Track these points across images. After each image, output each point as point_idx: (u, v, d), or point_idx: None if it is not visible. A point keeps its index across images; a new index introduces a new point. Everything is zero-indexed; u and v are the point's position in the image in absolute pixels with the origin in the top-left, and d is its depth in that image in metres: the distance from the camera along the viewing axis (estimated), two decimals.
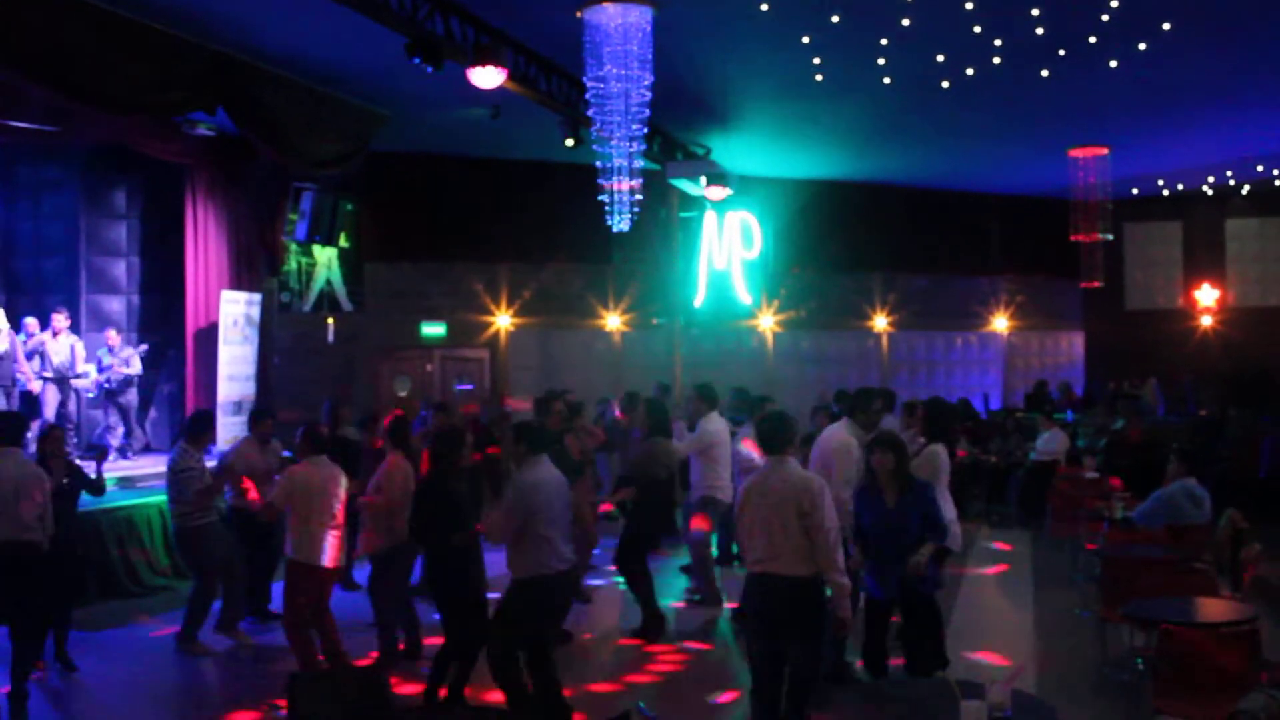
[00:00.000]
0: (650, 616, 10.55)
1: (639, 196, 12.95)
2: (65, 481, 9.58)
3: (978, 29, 12.84)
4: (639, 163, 12.80)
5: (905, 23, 12.58)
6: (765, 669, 6.87)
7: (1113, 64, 14.14)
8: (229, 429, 15.08)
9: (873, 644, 7.92)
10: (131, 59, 11.90)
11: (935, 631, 8.34)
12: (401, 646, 9.72)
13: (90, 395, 15.40)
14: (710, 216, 20.58)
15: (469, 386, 19.99)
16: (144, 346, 15.91)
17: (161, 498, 12.07)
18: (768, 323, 22.48)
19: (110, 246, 16.96)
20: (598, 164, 12.71)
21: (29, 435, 11.04)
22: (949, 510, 8.98)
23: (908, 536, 7.68)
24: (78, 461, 10.81)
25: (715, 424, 11.62)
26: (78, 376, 14.96)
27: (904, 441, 8.18)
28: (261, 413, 11.45)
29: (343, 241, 17.54)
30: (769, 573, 6.73)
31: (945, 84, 15.01)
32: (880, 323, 23.54)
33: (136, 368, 15.48)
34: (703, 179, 18.38)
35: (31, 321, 14.91)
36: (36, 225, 16.77)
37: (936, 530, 7.81)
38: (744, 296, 21.31)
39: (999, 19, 12.56)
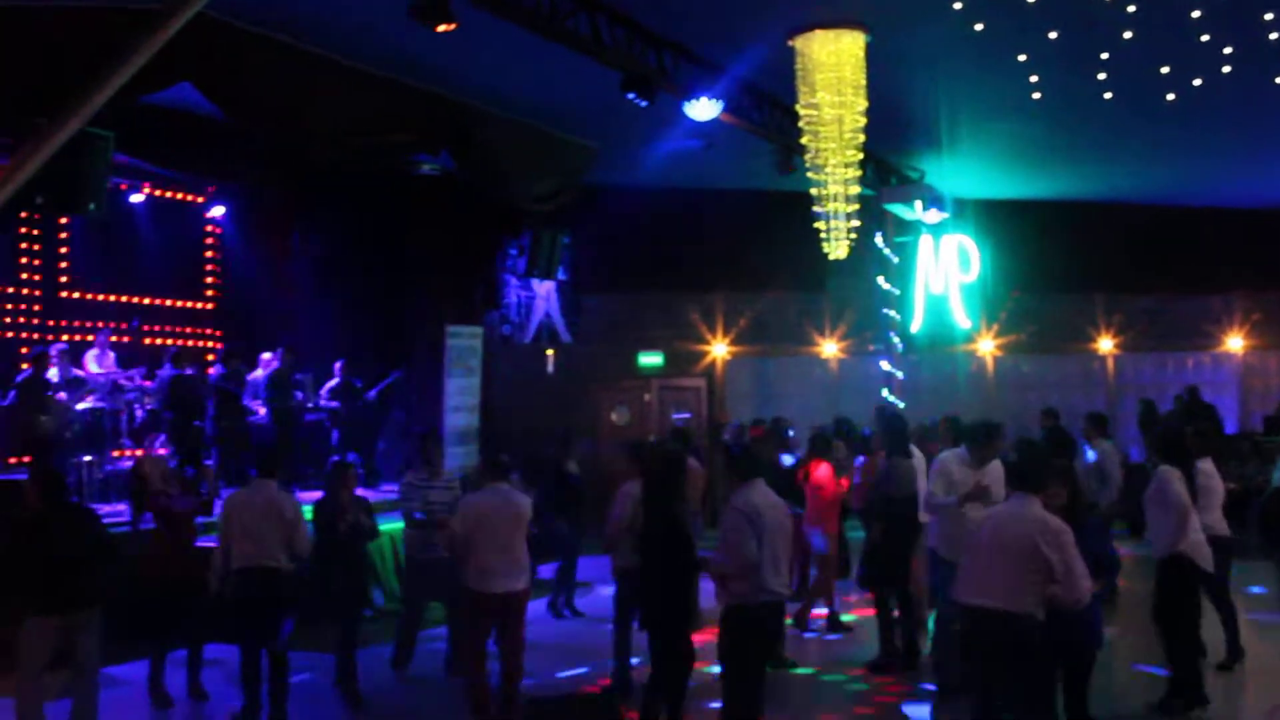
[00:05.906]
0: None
1: (854, 222, 12.89)
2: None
3: (1205, 37, 12.41)
4: (854, 189, 12.75)
5: (1127, 35, 12.24)
6: (983, 704, 6.78)
7: None
8: (454, 459, 15.55)
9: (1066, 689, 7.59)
10: (364, 106, 12.55)
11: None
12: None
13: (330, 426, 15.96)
14: (926, 240, 20.32)
15: (687, 415, 20.13)
16: (397, 374, 16.60)
17: (391, 525, 12.49)
18: (988, 347, 22.04)
19: (336, 281, 17.32)
20: (812, 191, 12.71)
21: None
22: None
23: None
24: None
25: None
26: (309, 409, 15.59)
27: (1076, 475, 7.83)
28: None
29: (560, 274, 17.92)
30: (982, 607, 6.62)
31: (1171, 96, 14.51)
32: (1105, 345, 22.81)
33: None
34: (917, 203, 18.23)
35: (267, 356, 15.66)
36: (265, 261, 17.34)
37: (1097, 569, 7.21)
38: (962, 321, 20.94)
39: (1228, 26, 12.10)
